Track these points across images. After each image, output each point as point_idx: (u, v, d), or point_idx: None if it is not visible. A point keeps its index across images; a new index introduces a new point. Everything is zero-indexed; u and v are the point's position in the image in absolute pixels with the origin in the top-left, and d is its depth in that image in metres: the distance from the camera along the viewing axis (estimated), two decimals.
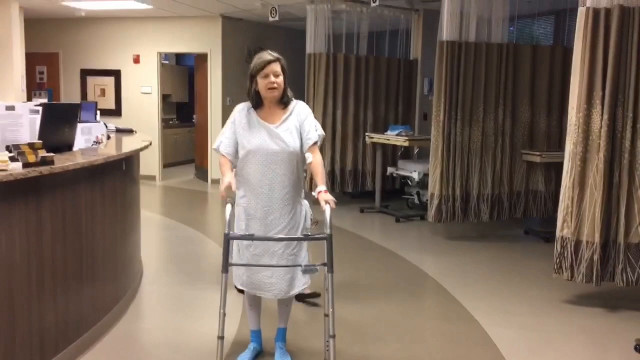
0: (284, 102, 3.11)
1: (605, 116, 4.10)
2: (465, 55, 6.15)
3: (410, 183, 7.71)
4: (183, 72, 13.25)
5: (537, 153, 6.43)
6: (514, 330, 3.98)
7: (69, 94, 10.35)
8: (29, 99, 8.77)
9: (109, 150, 4.00)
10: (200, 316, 4.15)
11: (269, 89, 3.01)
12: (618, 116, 4.15)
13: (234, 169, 3.17)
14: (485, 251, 6.10)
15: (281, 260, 3.13)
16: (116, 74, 10.26)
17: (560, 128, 6.64)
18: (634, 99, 4.11)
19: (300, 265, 3.01)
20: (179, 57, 13.41)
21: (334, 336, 2.85)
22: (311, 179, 7.64)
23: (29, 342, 2.91)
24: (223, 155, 3.13)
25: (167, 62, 12.13)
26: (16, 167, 2.71)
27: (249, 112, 3.13)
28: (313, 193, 3.03)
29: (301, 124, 3.10)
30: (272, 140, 3.06)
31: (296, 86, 9.91)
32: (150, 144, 4.68)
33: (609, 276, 4.25)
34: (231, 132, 3.13)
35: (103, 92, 10.37)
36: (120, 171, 4.03)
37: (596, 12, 4.12)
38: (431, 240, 6.56)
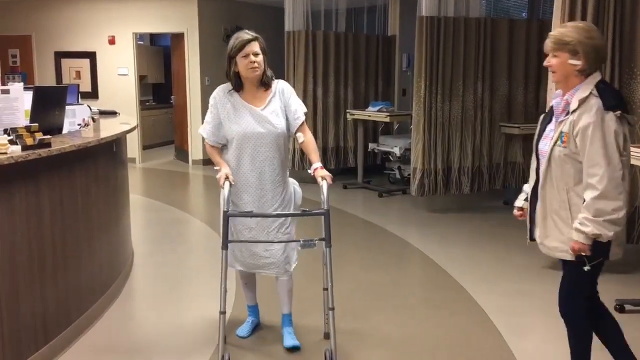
0: (265, 83, 3.06)
1: None
2: (444, 31, 6.25)
3: (391, 158, 7.83)
4: (158, 52, 13.11)
5: (515, 125, 6.59)
6: (498, 295, 4.14)
7: (44, 77, 10.19)
8: (3, 83, 8.64)
9: (98, 133, 4.02)
10: (194, 294, 4.24)
11: (250, 69, 2.95)
12: None
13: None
14: (467, 222, 6.28)
15: (275, 239, 3.15)
16: (91, 56, 10.13)
17: (537, 100, 6.80)
18: (611, 71, 4.25)
19: (299, 240, 2.98)
20: (154, 38, 13.25)
21: (333, 309, 2.89)
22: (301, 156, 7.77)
23: (32, 323, 2.97)
24: (211, 143, 3.13)
25: (142, 42, 11.98)
26: (15, 150, 2.74)
27: (231, 95, 3.06)
28: (309, 170, 3.04)
29: (286, 104, 3.09)
30: (259, 124, 3.02)
31: (276, 65, 9.94)
32: (137, 126, 4.70)
33: None
34: (214, 117, 3.09)
35: (78, 75, 10.24)
36: (111, 153, 4.06)
37: None
38: (414, 214, 6.71)
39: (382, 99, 8.49)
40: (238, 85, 3.04)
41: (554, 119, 2.57)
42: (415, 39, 6.29)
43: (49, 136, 2.99)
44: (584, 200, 2.41)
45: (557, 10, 4.34)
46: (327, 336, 3.30)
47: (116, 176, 4.20)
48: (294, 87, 7.87)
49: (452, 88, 6.37)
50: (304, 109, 3.16)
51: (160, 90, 13.20)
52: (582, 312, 2.64)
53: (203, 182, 8.98)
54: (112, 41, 10.07)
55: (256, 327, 3.52)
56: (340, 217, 6.52)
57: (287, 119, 3.10)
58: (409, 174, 6.88)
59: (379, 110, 7.59)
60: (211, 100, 3.10)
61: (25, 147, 2.80)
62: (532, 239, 2.73)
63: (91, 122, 4.60)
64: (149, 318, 3.86)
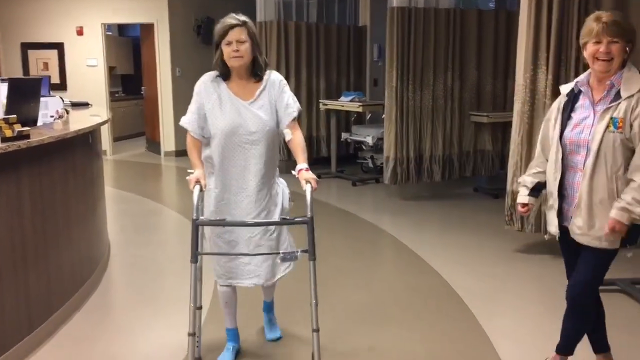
0: (256, 74, 2.78)
1: (550, 76, 4.39)
2: (415, 21, 6.35)
3: (364, 148, 7.93)
4: (127, 43, 12.97)
5: (484, 114, 6.75)
6: (471, 278, 4.28)
7: (10, 68, 10.00)
8: None
9: (74, 124, 4.01)
10: (172, 283, 4.27)
11: (233, 57, 2.68)
12: (562, 76, 4.43)
13: (203, 152, 2.84)
14: (439, 209, 6.42)
15: (259, 246, 2.85)
16: (59, 47, 9.97)
17: (505, 90, 6.96)
18: (576, 59, 4.40)
19: (279, 253, 2.74)
20: (123, 28, 13.10)
21: (317, 330, 2.60)
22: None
23: (16, 313, 2.98)
24: (193, 135, 2.79)
25: (110, 33, 11.83)
26: None
27: (218, 85, 2.78)
28: (293, 172, 2.74)
29: (277, 98, 2.80)
30: (246, 119, 2.75)
31: None
32: (110, 118, 4.70)
33: None
34: (197, 107, 2.78)
35: (46, 66, 10.08)
36: (87, 145, 4.06)
37: None
38: (387, 201, 6.83)
39: (354, 89, 8.58)
40: (225, 74, 2.77)
41: (585, 107, 2.54)
42: (386, 29, 6.38)
43: (27, 128, 2.98)
44: (629, 183, 2.41)
45: (525, 5, 4.46)
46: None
47: (92, 168, 4.21)
48: None
49: (422, 78, 6.49)
50: (298, 106, 2.86)
51: (129, 81, 13.06)
52: (594, 299, 2.67)
53: (176, 173, 8.95)
54: (80, 32, 9.93)
55: (237, 353, 3.12)
56: (315, 205, 6.58)
57: (277, 114, 2.82)
58: (382, 163, 6.99)
59: (351, 100, 7.67)
60: (196, 88, 2.81)
61: (4, 139, 2.81)
62: (562, 230, 2.63)
63: (65, 114, 4.58)
64: (128, 308, 3.89)
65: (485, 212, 6.20)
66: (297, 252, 2.68)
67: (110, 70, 11.13)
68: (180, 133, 10.85)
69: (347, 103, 7.70)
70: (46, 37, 9.94)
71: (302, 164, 2.73)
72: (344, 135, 8.08)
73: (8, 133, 2.84)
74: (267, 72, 2.83)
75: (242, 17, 2.72)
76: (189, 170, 2.75)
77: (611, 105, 2.46)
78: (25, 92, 3.62)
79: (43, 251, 3.23)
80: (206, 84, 2.79)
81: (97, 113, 5.02)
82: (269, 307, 3.35)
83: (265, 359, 3.14)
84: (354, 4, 8.90)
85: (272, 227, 2.89)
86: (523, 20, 4.46)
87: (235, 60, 2.70)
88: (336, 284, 4.19)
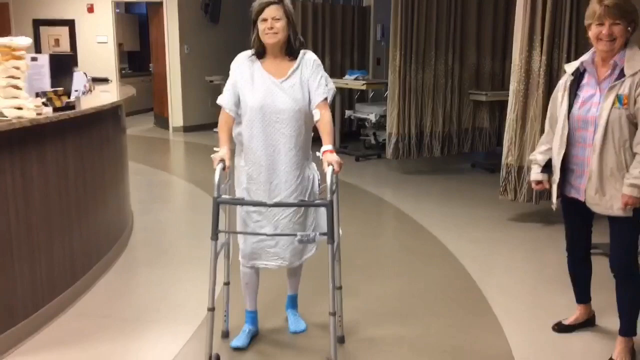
0: (290, 52, 2.77)
1: (544, 57, 4.73)
2: (418, 3, 6.66)
3: (367, 125, 8.27)
4: (133, 20, 13.21)
5: (483, 93, 7.09)
6: (468, 243, 4.67)
7: None
8: None
9: (105, 97, 4.35)
10: (192, 244, 4.64)
11: (267, 34, 2.69)
12: (554, 57, 4.78)
13: (234, 129, 2.85)
14: (438, 183, 6.80)
15: (286, 228, 2.85)
16: (70, 24, 10.26)
17: (503, 70, 7.31)
18: (568, 42, 4.74)
19: (295, 235, 2.69)
20: (129, 6, 13.32)
21: (334, 314, 2.59)
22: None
23: (63, 264, 3.36)
24: (226, 112, 2.79)
25: (117, 10, 12.06)
26: (47, 111, 3.09)
27: (252, 63, 2.79)
28: (317, 153, 2.71)
29: (309, 78, 2.77)
30: (277, 97, 2.73)
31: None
32: (134, 94, 5.02)
33: (546, 195, 4.96)
34: (232, 84, 2.80)
35: (57, 43, 10.36)
36: (116, 117, 4.40)
37: None
38: (389, 175, 7.19)
39: (358, 68, 8.90)
40: (260, 52, 2.78)
41: (591, 86, 2.70)
42: (389, 10, 6.68)
43: (72, 99, 3.33)
44: (634, 157, 2.57)
45: None
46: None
47: (120, 139, 4.56)
48: None
49: (424, 58, 6.82)
50: (331, 87, 2.81)
51: (135, 58, 13.32)
52: (636, 268, 2.78)
53: (186, 148, 9.30)
54: (90, 9, 10.21)
55: (254, 336, 3.09)
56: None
57: (309, 94, 2.78)
58: (384, 139, 7.35)
59: (355, 79, 8.00)
60: (232, 66, 2.83)
61: (55, 109, 3.15)
62: (570, 202, 2.84)
63: (93, 88, 4.91)
64: (156, 266, 4.23)
65: (481, 185, 6.58)
66: (316, 234, 2.65)
67: (118, 47, 11.40)
68: (189, 109, 11.21)
69: (351, 81, 8.02)
70: (58, 14, 10.21)
71: (327, 145, 2.68)
72: (347, 113, 8.41)
73: (58, 103, 3.18)
74: (302, 51, 2.80)
75: None
76: (215, 149, 2.70)
77: (616, 83, 2.59)
78: (61, 67, 3.95)
79: (84, 212, 3.60)
80: (241, 61, 2.81)
81: (119, 89, 5.35)
82: (293, 303, 3.24)
83: (282, 345, 3.10)
84: None
85: (301, 211, 2.87)
86: (520, 5, 4.78)
87: (270, 37, 2.69)
88: (343, 246, 4.56)
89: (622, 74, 2.60)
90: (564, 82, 2.84)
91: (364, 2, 9.18)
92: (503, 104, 6.94)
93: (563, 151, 2.77)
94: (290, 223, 2.86)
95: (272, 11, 2.68)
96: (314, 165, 2.96)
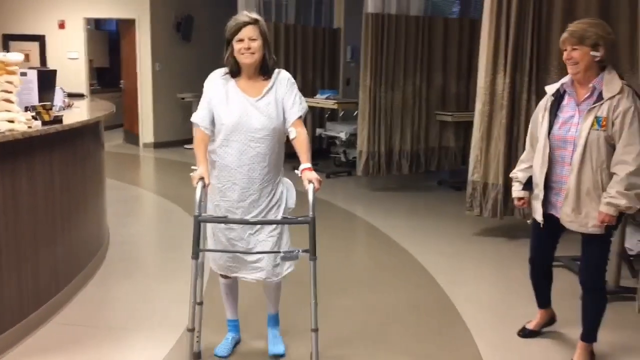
0: (264, 72, 2.79)
1: (507, 80, 5.02)
2: (387, 27, 6.94)
3: (337, 143, 8.48)
4: (103, 37, 13.24)
5: (449, 113, 7.39)
6: (437, 257, 4.87)
7: None
8: None
9: (87, 113, 4.44)
10: (168, 256, 4.73)
11: (243, 54, 2.70)
12: (517, 80, 5.07)
13: (209, 146, 2.85)
14: (407, 199, 7.03)
15: (260, 242, 2.87)
16: (41, 39, 10.23)
17: (468, 91, 7.62)
18: (529, 66, 5.04)
19: (279, 252, 2.75)
20: (98, 22, 13.34)
21: (316, 330, 2.64)
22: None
23: (49, 272, 3.42)
24: (203, 130, 2.79)
25: (88, 27, 12.08)
26: (37, 124, 3.18)
27: (226, 82, 2.80)
28: (296, 171, 2.71)
29: (283, 97, 2.79)
30: (251, 116, 2.74)
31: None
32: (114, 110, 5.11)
33: (510, 211, 5.23)
34: (206, 102, 2.80)
35: (27, 58, 10.27)
36: (97, 132, 4.49)
37: None
38: (359, 192, 7.40)
39: (329, 87, 9.13)
40: (235, 72, 2.79)
41: (570, 107, 2.83)
42: (358, 32, 6.94)
43: (60, 113, 3.43)
44: (611, 177, 2.69)
45: (487, 12, 5.08)
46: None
47: (100, 154, 4.64)
48: None
49: (394, 79, 7.08)
50: (304, 106, 2.86)
51: (104, 74, 13.32)
52: (603, 282, 2.95)
53: (157, 163, 9.35)
54: (62, 25, 10.20)
55: (236, 344, 3.19)
56: None
57: (284, 113, 2.81)
58: (354, 157, 7.56)
59: (326, 98, 8.22)
60: (205, 84, 2.84)
61: (44, 123, 3.25)
62: (546, 217, 2.95)
63: (71, 104, 4.99)
64: (135, 276, 4.32)
65: (448, 202, 6.83)
66: (298, 251, 2.66)
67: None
68: (160, 125, 11.26)
69: (322, 100, 8.25)
70: (28, 30, 10.18)
71: (305, 163, 2.71)
72: (318, 131, 8.61)
73: (46, 117, 3.28)
74: (276, 70, 2.83)
75: (254, 15, 2.74)
76: (192, 167, 2.72)
77: (595, 105, 2.72)
78: (45, 83, 4.03)
79: (67, 223, 3.69)
80: (215, 80, 2.82)
81: (98, 104, 5.43)
82: (274, 322, 3.20)
83: (264, 352, 3.15)
84: (329, 7, 9.44)
85: (274, 225, 2.87)
86: (484, 31, 5.07)
87: (247, 57, 2.71)
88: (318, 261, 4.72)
89: (600, 97, 2.73)
90: (545, 103, 2.97)
91: (334, 25, 9.44)
92: (468, 124, 7.25)
93: (545, 169, 2.88)
94: (261, 237, 2.87)
95: (248, 31, 2.70)
96: (286, 179, 2.98)
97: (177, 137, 10.54)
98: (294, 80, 2.89)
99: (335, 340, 3.30)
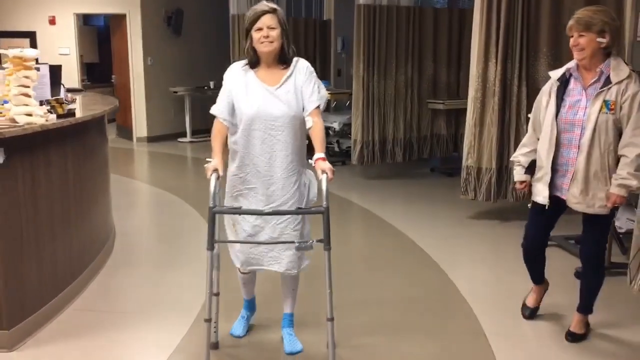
0: (283, 61, 2.81)
1: (499, 67, 5.19)
2: (379, 18, 7.07)
3: (331, 133, 8.61)
4: (92, 32, 13.23)
5: (440, 101, 7.55)
6: (434, 239, 5.04)
7: None
8: None
9: (93, 107, 4.54)
10: (175, 245, 4.87)
11: (262, 43, 2.72)
12: (508, 68, 5.24)
13: (229, 138, 2.88)
14: (401, 186, 7.20)
15: (283, 234, 2.88)
16: (31, 36, 10.23)
17: (458, 80, 7.80)
18: (520, 54, 5.21)
19: (294, 242, 2.78)
20: (87, 18, 13.33)
21: (332, 319, 2.67)
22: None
23: (65, 261, 3.55)
24: (222, 122, 2.83)
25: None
26: (52, 118, 3.29)
27: (245, 72, 2.82)
28: (310, 161, 2.74)
29: (302, 85, 2.81)
30: (272, 104, 2.76)
31: (222, 47, 10.45)
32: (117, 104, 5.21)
33: (503, 194, 5.41)
34: (226, 94, 2.83)
35: None
36: (102, 126, 4.60)
37: None
38: (354, 181, 7.55)
39: (320, 78, 9.13)
40: (255, 62, 2.81)
41: (577, 91, 2.90)
42: (348, 23, 7.07)
43: (73, 107, 3.54)
44: (619, 159, 2.77)
45: (478, 3, 5.24)
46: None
47: (105, 146, 4.75)
48: None
49: (386, 69, 7.23)
50: (323, 94, 2.87)
51: (94, 69, 13.32)
52: (603, 259, 3.16)
53: (152, 157, 9.44)
54: (52, 21, 10.22)
55: (251, 325, 3.30)
56: None
57: (302, 101, 2.81)
58: (347, 147, 7.72)
59: None
60: (225, 76, 2.88)
61: (58, 116, 3.36)
62: (550, 199, 2.99)
63: (74, 98, 5.08)
64: (144, 265, 4.45)
65: (441, 188, 7.01)
66: (312, 241, 2.70)
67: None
68: (153, 119, 11.32)
69: None
70: (18, 26, 10.18)
71: (319, 153, 2.72)
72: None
73: (60, 111, 3.39)
74: (295, 58, 2.85)
75: (273, 5, 2.78)
76: (207, 159, 2.74)
77: (602, 89, 2.80)
78: (52, 77, 4.13)
79: (81, 213, 3.81)
80: (234, 71, 2.85)
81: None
82: (289, 322, 3.18)
83: (277, 339, 3.18)
84: None
85: (299, 218, 2.89)
86: (476, 21, 5.23)
87: (266, 45, 2.72)
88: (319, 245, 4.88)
89: (608, 81, 2.81)
90: (549, 87, 3.04)
91: (324, 16, 9.56)
92: (458, 112, 7.44)
93: (552, 152, 2.95)
94: (287, 229, 2.87)
95: (267, 20, 2.73)
96: (310, 172, 2.96)
97: (171, 130, 10.63)
98: (312, 69, 2.89)
99: (351, 328, 3.30)
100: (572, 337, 3.22)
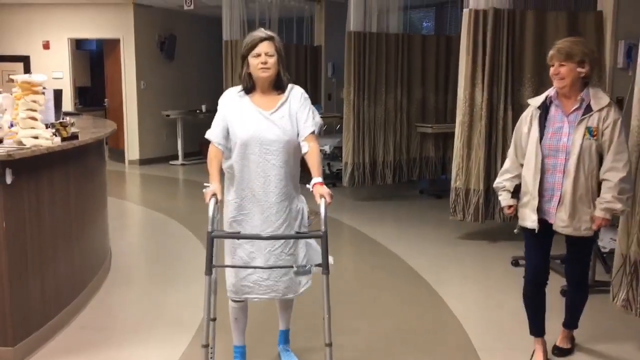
0: (279, 87, 2.84)
1: (485, 93, 5.39)
2: (369, 44, 7.29)
3: (322, 156, 8.77)
4: (84, 56, 13.35)
5: (429, 125, 7.75)
6: (423, 258, 5.18)
7: None
8: None
9: (93, 130, 4.67)
10: (170, 263, 4.96)
11: (260, 69, 2.75)
12: (494, 93, 5.45)
13: (224, 163, 2.89)
14: (391, 208, 7.36)
15: (279, 260, 2.87)
16: (25, 60, 10.37)
17: (446, 104, 8.01)
18: (505, 80, 5.42)
19: (292, 267, 2.77)
20: (79, 42, 13.47)
21: (330, 344, 2.59)
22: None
23: (67, 277, 3.64)
24: (217, 146, 2.83)
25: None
26: (57, 141, 3.41)
27: (241, 98, 2.85)
28: (307, 186, 2.73)
29: (297, 111, 2.85)
30: (267, 128, 2.78)
31: (215, 73, 10.65)
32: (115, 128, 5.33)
33: (491, 215, 5.57)
34: (221, 118, 2.85)
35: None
36: (101, 148, 4.72)
37: (477, 12, 5.36)
38: (344, 202, 7.68)
39: (312, 103, 9.40)
40: (250, 88, 2.85)
41: (558, 118, 2.98)
42: (338, 49, 7.27)
43: (76, 130, 3.67)
44: (601, 183, 2.88)
45: (464, 31, 5.45)
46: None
47: (103, 169, 4.86)
48: None
49: (376, 93, 7.43)
50: (317, 120, 2.90)
51: (86, 93, 13.44)
52: (587, 278, 3.29)
53: (145, 179, 9.54)
54: (46, 46, 10.36)
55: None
56: None
57: (297, 127, 2.84)
58: (338, 169, 7.87)
59: None
60: (220, 101, 2.90)
61: (62, 139, 3.48)
62: (540, 224, 3.02)
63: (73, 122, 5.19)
64: (142, 282, 4.55)
65: (430, 209, 7.17)
66: (311, 266, 2.71)
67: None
68: (145, 142, 11.42)
69: None
70: (13, 50, 10.31)
71: (317, 177, 2.72)
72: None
73: (64, 134, 3.51)
74: (290, 85, 2.90)
75: (270, 32, 2.82)
76: (205, 184, 2.72)
77: (584, 117, 2.90)
78: (56, 102, 4.25)
79: (81, 232, 3.91)
80: (229, 96, 2.88)
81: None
82: (285, 338, 3.22)
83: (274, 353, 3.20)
84: (310, 26, 9.78)
85: (291, 242, 2.89)
86: (463, 48, 5.45)
87: (263, 72, 2.76)
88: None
89: (589, 109, 2.91)
90: (529, 115, 3.09)
91: (315, 42, 9.78)
92: (446, 135, 7.64)
93: (539, 177, 2.99)
94: (282, 254, 2.87)
95: (265, 47, 2.76)
96: (302, 197, 2.99)
97: (163, 153, 10.75)
98: (307, 96, 2.94)
99: (343, 345, 3.31)
100: (559, 351, 3.35)
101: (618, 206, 2.89)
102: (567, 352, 3.35)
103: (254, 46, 2.77)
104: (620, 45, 5.22)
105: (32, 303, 3.24)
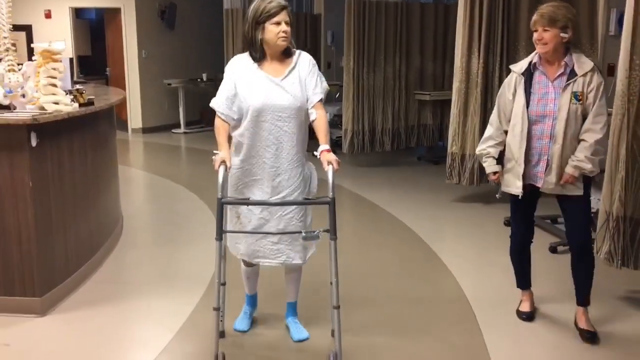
0: (287, 54, 2.84)
1: (481, 60, 5.57)
2: (368, 12, 7.42)
3: None
4: (84, 25, 13.40)
5: (426, 93, 7.93)
6: (421, 219, 5.43)
7: None
8: None
9: (105, 97, 4.85)
10: (181, 224, 5.20)
11: (280, 37, 2.74)
12: (490, 61, 5.63)
13: (234, 133, 2.87)
14: (390, 173, 7.58)
15: (289, 225, 2.90)
16: (27, 29, 10.46)
17: (444, 72, 8.18)
18: (500, 48, 5.60)
19: (301, 232, 2.76)
20: (78, 11, 13.50)
21: (338, 307, 2.66)
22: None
23: (87, 236, 3.87)
24: (220, 116, 2.82)
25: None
26: (75, 106, 3.60)
27: (249, 65, 2.82)
28: (315, 153, 2.73)
29: (306, 77, 2.84)
30: (279, 95, 2.77)
31: (216, 42, 10.77)
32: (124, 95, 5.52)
33: (485, 179, 5.77)
34: (230, 87, 2.81)
35: (15, 47, 10.51)
36: (111, 116, 4.91)
37: None
38: (345, 169, 7.86)
39: None
40: (261, 55, 2.82)
41: (543, 84, 3.00)
42: (338, 18, 7.40)
43: (92, 96, 3.86)
44: (579, 142, 2.93)
45: (461, 3, 5.61)
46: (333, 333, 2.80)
47: (114, 135, 5.06)
48: None
49: (375, 61, 7.59)
50: (324, 86, 2.90)
51: (87, 62, 13.51)
52: (591, 245, 3.15)
53: (148, 147, 9.74)
54: (48, 15, 10.45)
55: (254, 318, 3.32)
56: None
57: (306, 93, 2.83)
58: (337, 137, 8.07)
59: None
60: (227, 69, 2.86)
61: (80, 105, 3.68)
62: (525, 189, 3.06)
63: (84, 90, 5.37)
64: (154, 243, 4.79)
65: (428, 175, 7.40)
66: (319, 231, 2.69)
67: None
68: (147, 111, 11.57)
69: None
70: (14, 20, 10.29)
71: (324, 144, 2.73)
72: None
73: (81, 100, 3.71)
74: (297, 51, 2.88)
75: (283, 1, 2.77)
76: (214, 151, 2.73)
77: (569, 82, 2.93)
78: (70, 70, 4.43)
79: (97, 194, 4.14)
80: (238, 64, 2.84)
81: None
82: (293, 311, 3.23)
83: (281, 329, 3.25)
84: None
85: (303, 209, 2.91)
86: (460, 17, 5.61)
87: (283, 40, 2.75)
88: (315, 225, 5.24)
89: (573, 74, 2.95)
90: (512, 81, 3.09)
91: (314, 10, 9.88)
92: (444, 103, 7.82)
93: (525, 143, 3.02)
94: (293, 220, 2.90)
95: (284, 16, 2.74)
96: (311, 164, 3.00)
97: (165, 122, 10.93)
98: (315, 62, 2.93)
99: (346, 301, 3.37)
100: (591, 336, 3.14)
101: (588, 166, 2.94)
102: (593, 336, 3.13)
103: (274, 14, 2.73)
104: (612, 13, 5.40)
105: (56, 257, 3.48)
